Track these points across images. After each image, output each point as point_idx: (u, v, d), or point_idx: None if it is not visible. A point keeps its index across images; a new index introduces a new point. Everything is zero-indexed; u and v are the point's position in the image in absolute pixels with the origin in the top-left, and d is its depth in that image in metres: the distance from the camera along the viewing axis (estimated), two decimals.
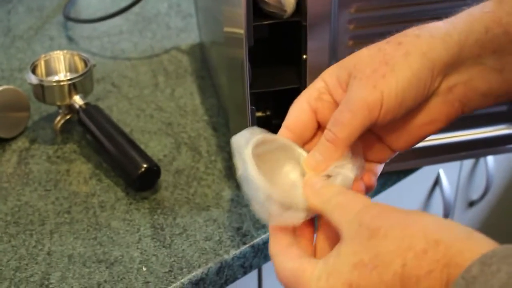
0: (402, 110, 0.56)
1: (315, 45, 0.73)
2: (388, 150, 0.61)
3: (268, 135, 0.59)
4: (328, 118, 0.57)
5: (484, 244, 0.46)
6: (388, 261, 0.48)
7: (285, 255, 0.55)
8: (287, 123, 0.60)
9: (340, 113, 0.56)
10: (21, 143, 0.92)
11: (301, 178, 0.58)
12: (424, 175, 0.99)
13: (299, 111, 0.59)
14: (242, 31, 0.71)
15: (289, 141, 0.59)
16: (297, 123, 0.59)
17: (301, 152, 0.59)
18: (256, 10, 0.71)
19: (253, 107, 0.76)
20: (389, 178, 0.88)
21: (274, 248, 0.56)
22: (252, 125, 0.77)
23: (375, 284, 0.48)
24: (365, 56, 0.57)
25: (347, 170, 0.57)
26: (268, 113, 0.90)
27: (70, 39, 1.17)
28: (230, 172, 0.86)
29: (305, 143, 0.60)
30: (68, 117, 0.93)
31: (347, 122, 0.55)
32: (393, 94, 0.55)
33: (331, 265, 0.51)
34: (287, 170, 0.59)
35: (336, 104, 0.58)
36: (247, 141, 0.57)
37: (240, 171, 0.57)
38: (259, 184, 0.54)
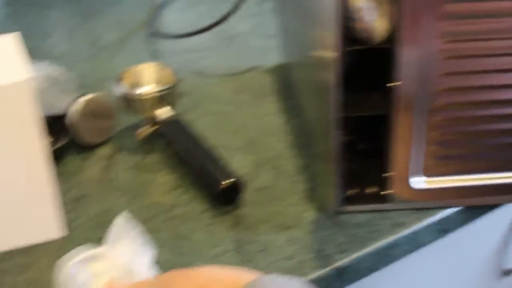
0: None
1: (405, 73, 0.73)
2: None
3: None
4: None
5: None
6: None
7: None
8: None
9: None
10: (106, 150, 0.93)
11: None
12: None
13: None
14: (332, 55, 0.71)
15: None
16: None
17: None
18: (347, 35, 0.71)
19: (339, 131, 0.76)
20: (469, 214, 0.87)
21: None
22: (338, 149, 0.77)
23: None
24: None
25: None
26: (353, 137, 0.90)
27: (154, 53, 1.18)
28: (312, 193, 0.86)
29: None
30: (152, 128, 0.93)
31: None
32: None
33: None
34: None
35: None
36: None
37: None
38: None
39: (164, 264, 0.75)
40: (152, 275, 0.70)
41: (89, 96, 0.93)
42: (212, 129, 0.98)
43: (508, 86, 0.74)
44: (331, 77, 0.73)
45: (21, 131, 0.73)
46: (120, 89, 0.92)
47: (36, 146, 0.74)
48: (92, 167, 0.91)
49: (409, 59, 0.72)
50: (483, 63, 0.73)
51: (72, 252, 0.73)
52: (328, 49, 0.72)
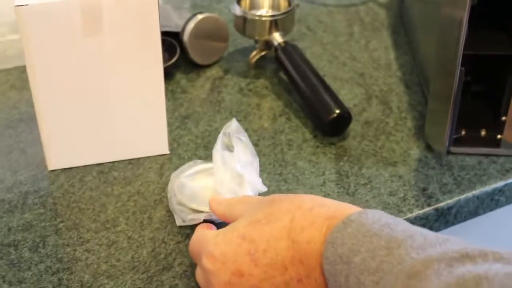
0: None
1: None
2: None
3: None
4: None
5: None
6: (279, 217, 0.58)
7: (196, 231, 0.65)
8: None
9: None
10: (215, 71, 0.94)
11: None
12: None
13: None
14: None
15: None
16: None
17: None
18: None
19: (463, 68, 0.74)
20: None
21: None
22: (458, 88, 0.75)
23: (265, 235, 0.57)
24: None
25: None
26: (468, 78, 0.87)
27: None
28: (420, 131, 0.84)
29: None
30: (263, 53, 0.93)
31: None
32: None
33: (229, 226, 0.61)
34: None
35: None
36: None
37: None
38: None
39: (267, 189, 0.76)
40: (261, 185, 0.72)
41: (203, 15, 0.93)
42: (322, 59, 0.97)
43: None
44: (459, 12, 0.70)
45: (143, 43, 0.74)
46: (237, 10, 0.92)
47: (153, 59, 0.75)
48: (201, 87, 0.91)
49: None
50: None
51: (185, 165, 0.75)
52: None
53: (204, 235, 0.61)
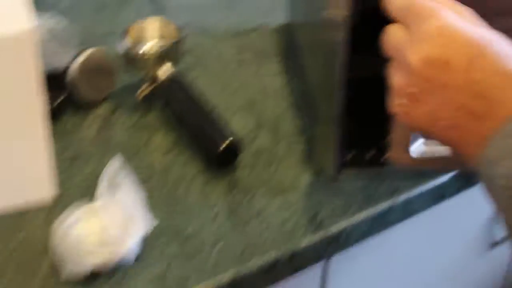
0: None
1: None
2: None
3: None
4: None
5: None
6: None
7: None
8: None
9: None
10: (104, 108, 0.93)
11: None
12: None
13: None
14: (343, 14, 0.69)
15: None
16: None
17: None
18: None
19: (344, 91, 0.75)
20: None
21: None
22: (341, 111, 0.76)
23: (497, 59, 0.53)
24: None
25: None
26: (353, 100, 0.89)
27: (159, 9, 1.16)
28: (310, 156, 0.85)
29: None
30: (152, 86, 0.93)
31: None
32: None
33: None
34: None
35: None
36: None
37: None
38: None
39: (156, 226, 0.76)
40: (150, 222, 0.70)
41: (90, 52, 0.91)
42: (213, 88, 0.97)
43: None
44: (339, 36, 0.71)
45: (20, 85, 0.72)
46: (123, 45, 0.91)
47: (34, 101, 0.73)
48: (90, 125, 0.90)
49: None
50: None
51: (66, 212, 0.73)
52: (338, 8, 0.70)
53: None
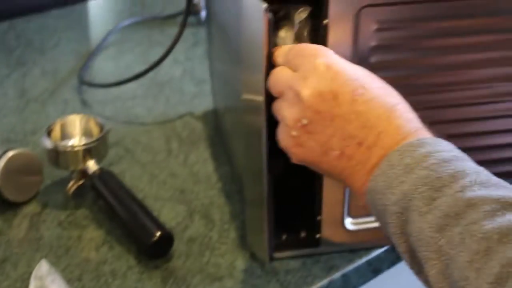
0: None
1: None
2: None
3: None
4: None
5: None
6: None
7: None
8: None
9: None
10: (33, 207, 0.91)
11: None
12: None
13: None
14: (261, 100, 0.70)
15: None
16: None
17: None
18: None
19: (270, 177, 0.76)
20: None
21: None
22: (268, 195, 0.76)
23: (378, 93, 0.59)
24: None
25: None
26: (283, 181, 0.89)
27: (84, 102, 1.17)
28: (243, 241, 0.85)
29: None
30: (81, 182, 0.92)
31: None
32: None
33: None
34: None
35: None
36: None
37: None
38: None
39: None
40: None
41: (13, 152, 0.90)
42: (142, 179, 0.97)
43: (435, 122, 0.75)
44: (260, 121, 0.72)
45: None
46: (48, 143, 0.91)
47: None
48: (18, 225, 0.88)
49: None
50: None
51: None
52: (257, 93, 0.72)
53: None
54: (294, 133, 0.61)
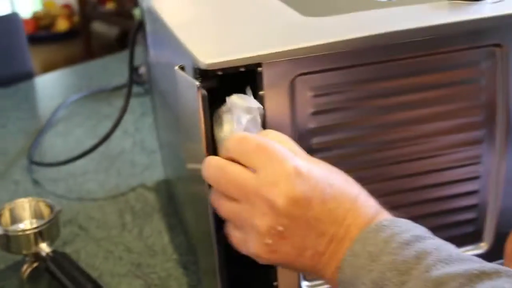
0: None
1: None
2: None
3: None
4: None
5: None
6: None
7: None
8: None
9: None
10: None
11: None
12: None
13: None
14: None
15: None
16: None
17: None
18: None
19: (220, 246, 0.76)
20: None
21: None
22: (220, 263, 0.77)
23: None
24: None
25: None
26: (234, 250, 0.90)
27: (35, 182, 1.16)
28: None
29: None
30: (35, 265, 0.91)
31: None
32: None
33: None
34: None
35: None
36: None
37: None
38: None
39: None
40: None
41: None
42: (97, 257, 0.96)
43: (380, 180, 0.76)
44: (205, 189, 0.73)
45: None
46: None
47: None
48: None
49: None
50: None
51: None
52: (199, 162, 0.72)
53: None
54: (268, 241, 0.60)
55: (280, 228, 0.59)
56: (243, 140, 0.61)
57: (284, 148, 0.60)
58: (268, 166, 0.59)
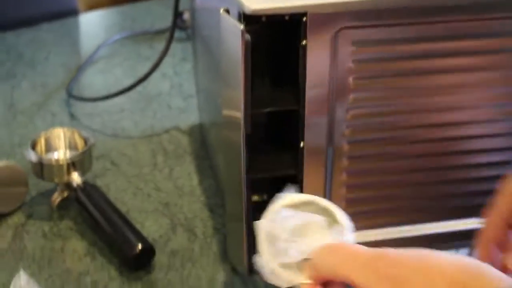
0: None
1: (312, 133, 0.74)
2: None
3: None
4: None
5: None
6: None
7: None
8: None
9: None
10: (17, 218, 0.92)
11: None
12: None
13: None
14: (240, 116, 0.72)
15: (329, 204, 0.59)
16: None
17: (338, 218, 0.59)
18: (254, 95, 0.72)
19: (249, 192, 0.77)
20: None
21: None
22: (247, 209, 0.78)
23: None
24: None
25: None
26: (265, 197, 0.91)
27: (72, 116, 1.18)
28: (225, 254, 0.86)
29: None
30: (65, 194, 0.93)
31: None
32: None
33: None
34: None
35: None
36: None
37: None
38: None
39: None
40: None
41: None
42: (126, 192, 0.98)
43: (413, 142, 0.76)
44: (239, 137, 0.74)
45: None
46: (32, 156, 0.92)
47: None
48: (3, 236, 0.89)
49: (315, 120, 0.73)
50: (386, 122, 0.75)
51: None
52: (236, 110, 0.73)
53: None
54: None
55: None
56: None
57: None
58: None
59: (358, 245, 0.55)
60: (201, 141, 1.10)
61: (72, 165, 0.91)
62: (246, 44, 0.64)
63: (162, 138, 1.11)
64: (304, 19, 0.66)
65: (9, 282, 0.81)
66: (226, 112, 0.79)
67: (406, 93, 0.72)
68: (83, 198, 0.90)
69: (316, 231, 0.59)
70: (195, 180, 1.01)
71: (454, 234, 0.82)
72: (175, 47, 1.16)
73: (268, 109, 0.74)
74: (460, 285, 0.47)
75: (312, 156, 0.74)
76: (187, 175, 1.02)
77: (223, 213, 0.93)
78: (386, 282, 0.49)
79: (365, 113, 0.73)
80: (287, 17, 0.66)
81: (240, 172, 0.76)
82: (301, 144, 0.75)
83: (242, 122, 0.70)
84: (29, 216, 0.93)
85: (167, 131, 1.13)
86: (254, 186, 0.78)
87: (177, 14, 1.05)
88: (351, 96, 0.71)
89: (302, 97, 0.71)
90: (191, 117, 1.17)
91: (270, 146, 0.84)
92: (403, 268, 0.50)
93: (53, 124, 1.14)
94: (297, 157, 0.77)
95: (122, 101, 1.20)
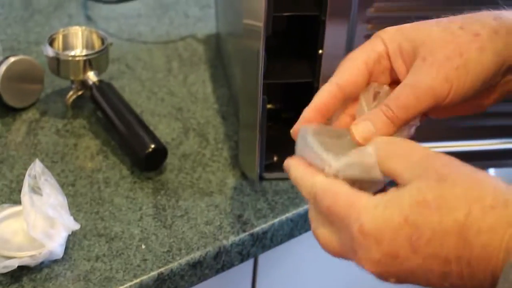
0: (462, 100, 0.56)
1: (332, 41, 0.74)
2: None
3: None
4: (380, 81, 0.58)
5: None
6: (452, 206, 0.47)
7: (338, 184, 0.53)
8: (340, 80, 0.58)
9: (406, 96, 0.55)
10: (32, 114, 0.93)
11: None
12: None
13: (355, 71, 0.58)
14: (261, 21, 0.72)
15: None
16: (350, 82, 0.58)
17: None
18: (275, 1, 0.72)
19: (265, 96, 0.77)
20: None
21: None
22: (262, 116, 0.78)
23: (433, 225, 0.47)
24: (436, 36, 0.56)
25: None
26: (278, 106, 0.91)
27: (89, 18, 1.17)
28: (235, 160, 0.87)
29: (352, 102, 0.59)
30: (80, 92, 0.93)
31: (411, 106, 0.55)
32: (461, 89, 0.55)
33: (390, 197, 0.50)
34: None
35: (392, 71, 0.58)
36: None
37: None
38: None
39: (82, 228, 0.76)
40: (73, 224, 0.71)
41: (15, 58, 0.92)
42: (140, 96, 0.98)
43: None
44: (258, 43, 0.74)
45: None
46: (49, 51, 0.92)
47: None
48: (17, 130, 0.90)
49: (335, 27, 0.73)
50: None
51: None
52: (256, 15, 0.73)
53: (358, 198, 0.51)
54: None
55: (392, 280, 0.51)
56: (310, 184, 0.55)
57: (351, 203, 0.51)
58: (339, 228, 0.53)
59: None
60: (217, 50, 1.09)
61: (89, 62, 0.91)
62: None
63: (178, 45, 1.11)
64: None
65: (22, 174, 0.82)
66: (246, 18, 0.78)
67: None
68: (98, 96, 0.91)
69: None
70: (209, 87, 1.01)
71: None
72: None
73: (288, 13, 0.74)
74: (505, 201, 0.47)
75: (330, 63, 0.74)
76: (201, 82, 1.02)
77: (235, 121, 0.94)
78: (433, 175, 0.49)
79: (386, 24, 0.72)
80: None
81: (257, 78, 0.76)
82: (320, 51, 0.74)
83: (263, 23, 0.70)
84: (43, 113, 0.93)
85: (183, 38, 1.13)
86: (269, 93, 0.78)
87: None
88: (374, 5, 0.70)
89: (325, 3, 0.70)
90: (207, 27, 1.16)
91: (288, 53, 0.84)
92: (455, 169, 0.50)
93: (69, 25, 1.12)
94: (314, 65, 0.77)
95: (139, 6, 1.19)
